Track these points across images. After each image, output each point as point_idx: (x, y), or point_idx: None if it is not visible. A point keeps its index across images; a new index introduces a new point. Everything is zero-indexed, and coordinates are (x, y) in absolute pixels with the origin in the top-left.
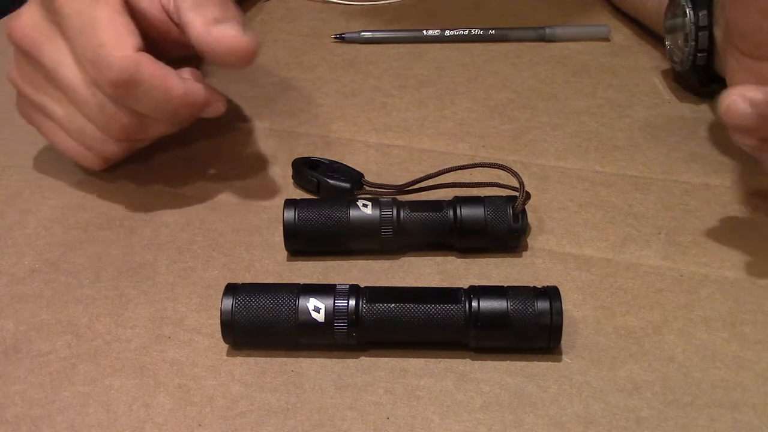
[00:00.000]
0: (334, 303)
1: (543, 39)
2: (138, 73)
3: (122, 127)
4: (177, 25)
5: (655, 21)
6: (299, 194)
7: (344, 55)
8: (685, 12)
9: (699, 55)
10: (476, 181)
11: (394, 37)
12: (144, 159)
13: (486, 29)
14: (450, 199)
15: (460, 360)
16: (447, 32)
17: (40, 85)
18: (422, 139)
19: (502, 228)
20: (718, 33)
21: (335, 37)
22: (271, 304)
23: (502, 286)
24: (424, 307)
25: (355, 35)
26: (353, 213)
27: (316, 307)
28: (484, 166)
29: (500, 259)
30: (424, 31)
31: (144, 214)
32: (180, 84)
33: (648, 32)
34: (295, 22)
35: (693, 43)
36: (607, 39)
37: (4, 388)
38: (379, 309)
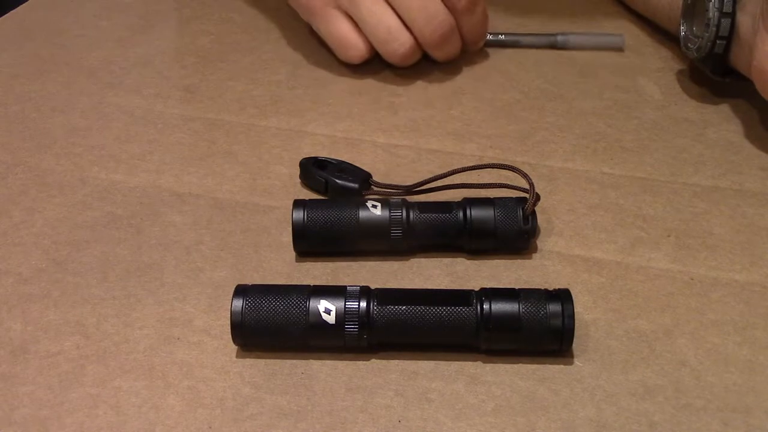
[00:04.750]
0: (345, 305)
1: (555, 46)
2: None
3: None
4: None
5: (667, 16)
6: (307, 194)
7: None
8: None
9: (718, 42)
10: (485, 182)
11: None
12: (150, 158)
13: (496, 34)
14: (459, 200)
15: (471, 363)
16: None
17: None
18: (429, 139)
19: (512, 230)
20: (744, 19)
21: None
22: (282, 305)
23: (514, 289)
24: (436, 310)
25: None
26: (363, 214)
27: (327, 309)
28: (494, 167)
29: (510, 261)
30: None
31: (151, 214)
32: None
33: (656, 31)
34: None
35: (714, 29)
36: (621, 49)
37: (12, 389)
38: (390, 311)
